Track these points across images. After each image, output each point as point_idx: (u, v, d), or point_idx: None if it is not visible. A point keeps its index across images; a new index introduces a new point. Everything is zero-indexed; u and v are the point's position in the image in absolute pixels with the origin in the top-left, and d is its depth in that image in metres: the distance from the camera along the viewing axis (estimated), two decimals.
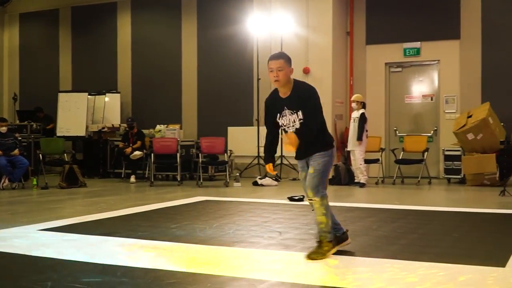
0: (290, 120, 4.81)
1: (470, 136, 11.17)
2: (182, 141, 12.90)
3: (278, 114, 4.88)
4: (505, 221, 6.99)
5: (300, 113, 4.76)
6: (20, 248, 5.42)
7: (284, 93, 4.86)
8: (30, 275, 4.40)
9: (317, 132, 4.81)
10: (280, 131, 5.10)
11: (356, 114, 11.36)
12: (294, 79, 4.93)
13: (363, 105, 11.44)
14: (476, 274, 4.28)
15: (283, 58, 4.93)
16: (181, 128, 14.19)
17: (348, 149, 11.50)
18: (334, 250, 4.84)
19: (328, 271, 4.46)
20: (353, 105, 11.50)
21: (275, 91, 4.98)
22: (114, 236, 5.92)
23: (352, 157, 11.53)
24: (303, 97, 4.81)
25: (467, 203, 8.81)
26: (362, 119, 11.18)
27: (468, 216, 7.37)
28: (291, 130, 4.79)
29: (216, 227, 6.46)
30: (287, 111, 4.82)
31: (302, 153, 4.91)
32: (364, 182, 11.15)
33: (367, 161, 11.58)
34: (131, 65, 15.60)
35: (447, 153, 11.88)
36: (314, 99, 4.84)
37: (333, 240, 4.86)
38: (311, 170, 4.83)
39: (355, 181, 11.46)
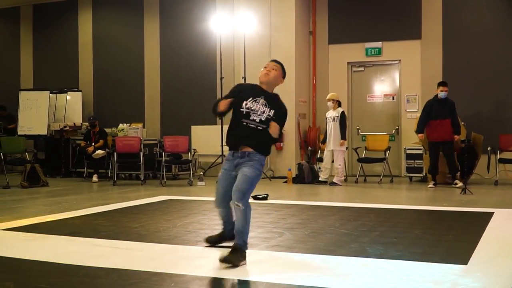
0: (260, 110, 4.75)
1: None
2: (145, 140, 12.87)
3: (251, 98, 4.82)
4: (466, 218, 7.09)
5: (272, 111, 4.76)
6: None
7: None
8: None
9: (267, 138, 4.75)
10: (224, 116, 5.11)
11: (333, 113, 11.41)
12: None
13: (339, 103, 11.52)
14: (438, 271, 4.34)
15: (281, 65, 5.07)
16: (144, 127, 14.14)
17: (330, 148, 11.36)
18: (244, 263, 4.54)
19: (293, 269, 4.47)
20: (329, 103, 11.52)
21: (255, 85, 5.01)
22: (76, 236, 5.86)
23: (326, 157, 11.50)
24: (279, 109, 4.85)
25: (428, 201, 8.94)
26: (344, 118, 11.28)
27: (430, 214, 7.47)
28: (253, 118, 4.72)
29: (179, 226, 6.44)
30: (262, 100, 4.80)
31: (242, 141, 4.79)
32: (338, 182, 11.22)
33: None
34: (93, 63, 15.47)
35: (408, 151, 12.02)
36: (284, 118, 4.92)
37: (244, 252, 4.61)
38: (245, 171, 4.65)
39: (321, 179, 11.51)
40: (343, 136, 11.22)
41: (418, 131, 10.89)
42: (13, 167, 13.60)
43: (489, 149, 11.22)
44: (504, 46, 12.31)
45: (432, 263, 4.56)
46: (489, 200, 8.85)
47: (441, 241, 5.66)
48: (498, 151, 11.41)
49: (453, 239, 5.71)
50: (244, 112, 4.76)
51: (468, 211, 7.62)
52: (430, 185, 10.50)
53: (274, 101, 4.86)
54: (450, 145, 10.53)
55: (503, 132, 11.69)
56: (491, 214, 7.14)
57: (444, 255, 4.89)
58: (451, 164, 10.59)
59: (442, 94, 10.62)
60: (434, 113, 10.66)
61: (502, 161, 11.34)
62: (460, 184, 10.26)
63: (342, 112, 11.34)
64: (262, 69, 4.98)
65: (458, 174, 10.79)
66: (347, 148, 12.18)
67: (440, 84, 10.75)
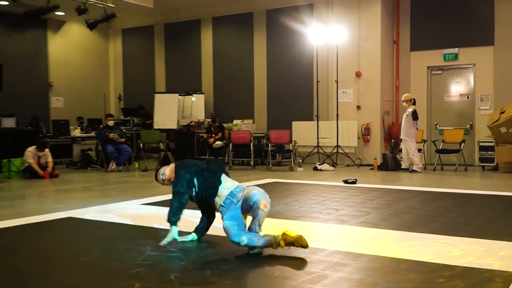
0: None
1: (503, 130, 10.90)
2: (254, 133, 12.98)
3: None
4: None
5: None
6: (124, 218, 5.56)
7: None
8: (131, 240, 4.50)
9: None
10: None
11: (406, 111, 11.22)
12: None
13: (413, 101, 11.24)
14: (510, 249, 4.13)
15: None
16: (253, 122, 14.27)
17: (401, 137, 11.29)
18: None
19: (377, 242, 4.38)
20: (404, 104, 11.37)
21: None
22: (198, 209, 5.97)
23: (403, 146, 11.32)
24: None
25: (499, 188, 8.52)
26: (414, 114, 11.02)
27: (501, 199, 7.13)
28: None
29: (283, 204, 6.47)
30: None
31: None
32: (417, 169, 10.96)
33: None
34: (213, 71, 15.74)
35: (481, 144, 11.53)
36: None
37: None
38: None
39: (403, 167, 11.28)
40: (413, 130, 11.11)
41: None
42: (150, 154, 14.06)
43: None
44: None
45: (503, 242, 4.35)
46: None
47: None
48: None
49: None
50: None
51: None
52: None
53: None
54: None
55: None
56: None
57: None
58: None
59: None
60: None
61: None
62: None
63: (414, 110, 11.06)
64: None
65: None
66: (425, 141, 11.91)
67: None
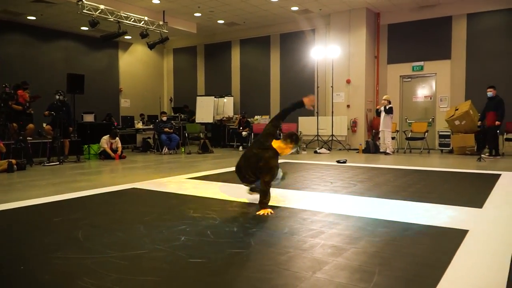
0: None
1: (457, 122, 10.70)
2: None
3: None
4: (481, 178, 6.57)
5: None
6: (174, 188, 5.58)
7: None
8: (179, 206, 4.51)
9: None
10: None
11: (383, 108, 11.05)
12: None
13: (389, 102, 11.09)
14: (462, 212, 4.05)
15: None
16: (269, 118, 14.21)
17: (380, 129, 11.12)
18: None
19: (362, 207, 4.33)
20: (384, 102, 11.13)
21: None
22: (227, 182, 5.98)
23: (381, 135, 11.16)
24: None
25: (454, 166, 8.36)
26: (389, 110, 10.90)
27: (455, 174, 7.00)
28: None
29: (291, 178, 6.43)
30: None
31: None
32: (390, 152, 10.84)
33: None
34: (240, 79, 15.69)
35: (441, 133, 11.36)
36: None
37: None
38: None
39: (381, 150, 11.14)
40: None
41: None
42: (192, 141, 14.14)
43: (498, 131, 10.32)
44: (510, 64, 11.19)
45: (457, 206, 4.27)
46: (497, 166, 8.13)
47: (464, 192, 5.28)
48: (505, 133, 10.50)
49: (472, 191, 5.32)
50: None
51: (483, 173, 7.07)
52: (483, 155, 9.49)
53: None
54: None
55: (508, 120, 10.70)
56: (499, 175, 6.61)
57: (466, 201, 4.55)
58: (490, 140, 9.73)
59: (488, 94, 10.00)
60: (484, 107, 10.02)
61: (508, 139, 10.43)
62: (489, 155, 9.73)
63: (390, 107, 10.94)
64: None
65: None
66: (398, 131, 11.74)
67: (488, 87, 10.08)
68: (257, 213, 3.99)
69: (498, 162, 8.87)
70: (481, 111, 10.19)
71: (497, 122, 9.66)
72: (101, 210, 4.36)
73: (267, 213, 3.96)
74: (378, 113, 11.30)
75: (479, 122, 10.16)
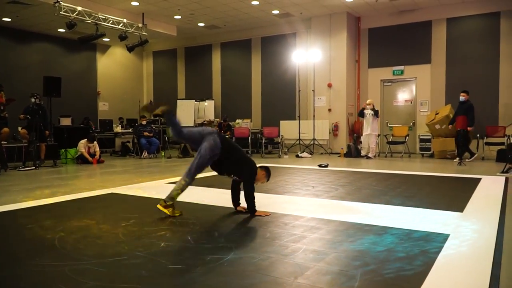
0: None
1: (437, 127, 10.89)
2: (252, 129, 12.95)
3: None
4: (462, 182, 6.69)
5: None
6: (154, 193, 5.52)
7: None
8: (159, 211, 4.46)
9: None
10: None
11: (370, 112, 11.04)
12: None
13: (373, 106, 11.17)
14: (443, 216, 4.11)
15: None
16: (251, 121, 14.24)
17: (366, 133, 11.08)
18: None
19: (343, 211, 4.35)
20: (368, 106, 11.12)
21: None
22: (211, 187, 5.95)
23: (366, 139, 11.12)
24: None
25: (435, 170, 8.50)
26: (376, 114, 10.98)
27: (436, 178, 7.11)
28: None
29: (273, 183, 6.43)
30: None
31: None
32: (371, 156, 10.94)
33: None
34: (221, 82, 15.66)
35: (421, 137, 11.50)
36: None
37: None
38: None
39: (362, 154, 11.22)
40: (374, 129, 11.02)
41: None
42: (173, 146, 14.04)
43: (478, 135, 10.56)
44: (489, 68, 11.46)
45: (438, 210, 4.33)
46: (477, 170, 8.30)
47: (445, 196, 5.37)
48: (485, 137, 10.73)
49: (453, 195, 5.41)
50: None
51: (463, 177, 7.20)
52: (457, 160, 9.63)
53: None
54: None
55: (488, 124, 10.96)
56: (480, 179, 6.74)
57: (447, 205, 4.63)
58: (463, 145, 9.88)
59: (460, 98, 10.18)
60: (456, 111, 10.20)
61: (488, 144, 10.65)
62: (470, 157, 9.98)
63: (376, 111, 11.02)
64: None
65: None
66: (379, 135, 11.85)
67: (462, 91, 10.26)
68: (256, 214, 4.12)
69: (479, 166, 9.06)
70: (453, 114, 10.40)
71: (469, 128, 9.83)
72: (79, 216, 4.28)
73: (265, 215, 4.12)
74: (361, 114, 11.28)
75: (450, 126, 10.36)
